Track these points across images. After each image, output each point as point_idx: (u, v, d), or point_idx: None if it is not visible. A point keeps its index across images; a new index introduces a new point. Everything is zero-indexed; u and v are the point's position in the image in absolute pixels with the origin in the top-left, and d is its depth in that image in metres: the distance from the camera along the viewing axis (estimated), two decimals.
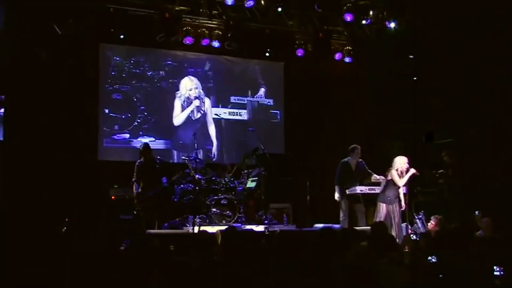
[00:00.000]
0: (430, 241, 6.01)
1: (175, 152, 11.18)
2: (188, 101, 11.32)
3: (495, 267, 4.20)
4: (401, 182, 8.64)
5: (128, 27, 10.03)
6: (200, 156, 10.64)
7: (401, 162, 8.76)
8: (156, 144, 11.02)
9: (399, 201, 8.82)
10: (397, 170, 8.72)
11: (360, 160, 9.87)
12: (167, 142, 11.22)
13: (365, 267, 4.28)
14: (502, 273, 4.18)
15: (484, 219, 7.54)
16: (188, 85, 11.36)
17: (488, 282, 4.23)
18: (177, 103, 11.27)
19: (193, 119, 11.38)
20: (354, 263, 4.40)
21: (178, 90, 11.33)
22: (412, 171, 8.61)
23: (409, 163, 8.74)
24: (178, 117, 11.26)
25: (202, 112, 11.44)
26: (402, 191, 8.80)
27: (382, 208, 8.71)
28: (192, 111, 11.35)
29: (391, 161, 8.94)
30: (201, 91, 11.44)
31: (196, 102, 11.34)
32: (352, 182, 9.71)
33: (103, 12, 9.71)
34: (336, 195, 9.84)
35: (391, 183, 8.76)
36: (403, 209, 8.76)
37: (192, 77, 11.42)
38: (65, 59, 9.72)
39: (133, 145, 10.71)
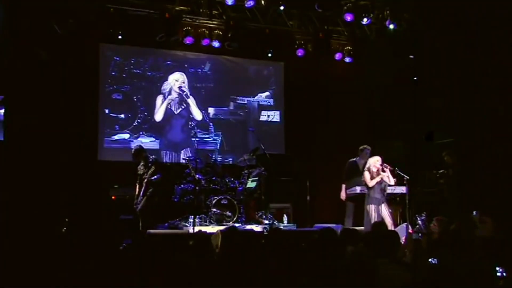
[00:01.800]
0: (431, 241, 6.00)
1: (166, 152, 11.15)
2: (169, 92, 11.23)
3: (497, 268, 4.19)
4: (371, 182, 8.62)
5: (128, 27, 10.03)
6: (185, 154, 10.63)
7: (373, 161, 8.74)
8: (156, 144, 11.03)
9: (387, 199, 8.82)
10: (368, 169, 8.70)
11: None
12: (167, 142, 11.21)
13: (364, 266, 4.27)
14: (504, 274, 4.17)
15: (484, 219, 7.51)
16: (177, 77, 11.30)
17: (489, 283, 4.22)
18: (158, 98, 11.16)
19: (176, 113, 11.28)
20: (354, 263, 4.40)
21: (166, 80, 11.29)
22: (387, 168, 8.59)
23: (382, 161, 8.71)
24: (159, 112, 11.12)
25: (183, 107, 11.36)
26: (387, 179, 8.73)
27: (371, 209, 8.67)
28: (171, 103, 11.23)
29: (391, 161, 8.92)
30: (186, 90, 11.30)
31: (177, 84, 11.21)
32: (356, 182, 9.71)
33: (103, 12, 9.72)
34: (342, 194, 9.87)
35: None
36: (391, 183, 8.70)
37: (183, 73, 11.36)
38: (65, 59, 9.72)
39: (133, 145, 10.68)
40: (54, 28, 9.31)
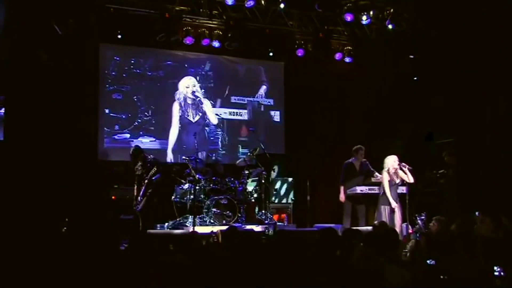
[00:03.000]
0: (430, 241, 5.99)
1: (178, 156, 11.11)
2: (185, 100, 11.29)
3: (495, 268, 4.19)
4: (387, 187, 8.61)
5: (128, 27, 10.03)
6: (201, 156, 10.62)
7: (391, 161, 8.73)
8: (156, 144, 11.03)
9: (400, 201, 8.81)
10: (388, 170, 8.69)
11: (364, 160, 9.91)
12: (167, 142, 11.20)
13: (372, 268, 4.26)
14: (502, 273, 4.18)
15: (483, 219, 7.50)
16: (186, 83, 11.31)
17: (488, 283, 4.22)
18: (175, 106, 11.21)
19: (193, 121, 11.33)
20: (360, 265, 4.39)
21: (177, 90, 11.31)
22: (405, 167, 8.60)
23: (400, 160, 8.70)
24: (173, 121, 11.14)
25: (201, 114, 11.41)
26: (405, 177, 8.72)
27: (385, 210, 8.67)
28: (187, 112, 11.28)
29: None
30: (199, 89, 11.38)
31: (189, 90, 11.22)
32: (356, 182, 9.72)
33: (103, 12, 9.72)
34: (341, 196, 9.88)
35: (389, 184, 8.73)
36: (411, 182, 8.71)
37: (191, 77, 11.39)
38: (65, 59, 9.72)
39: (134, 145, 10.67)
40: (54, 28, 9.31)
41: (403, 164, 8.65)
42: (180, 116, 11.23)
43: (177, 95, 11.26)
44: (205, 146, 11.20)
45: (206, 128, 11.45)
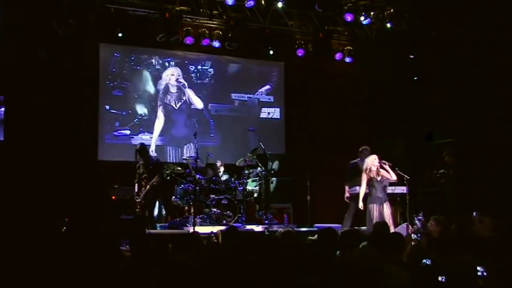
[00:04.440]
0: (431, 241, 6.00)
1: (169, 148, 11.18)
2: (167, 88, 11.28)
3: (478, 268, 4.18)
4: (363, 184, 8.62)
5: (128, 27, 10.04)
6: (187, 148, 10.66)
7: (371, 160, 8.70)
8: (157, 140, 11.08)
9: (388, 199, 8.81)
10: (366, 169, 8.66)
11: None
12: (166, 138, 11.23)
13: (371, 268, 4.26)
14: (485, 273, 4.17)
15: (483, 219, 7.50)
16: (171, 71, 11.35)
17: (487, 284, 4.23)
18: (159, 97, 11.24)
19: (176, 108, 11.35)
20: (360, 265, 4.39)
21: (160, 79, 11.32)
22: (385, 165, 8.59)
23: (380, 158, 8.69)
24: (158, 110, 11.16)
25: (183, 100, 11.42)
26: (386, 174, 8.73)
27: (373, 209, 8.64)
28: (171, 99, 11.30)
29: (391, 160, 8.90)
30: (183, 81, 11.38)
31: (173, 78, 11.28)
32: (357, 182, 9.70)
33: (103, 12, 9.72)
34: (346, 196, 9.87)
35: (374, 182, 8.71)
36: (393, 180, 8.71)
37: (176, 67, 11.40)
38: (65, 59, 9.72)
39: (134, 141, 10.72)
40: (54, 28, 9.31)
41: (383, 161, 8.63)
42: (163, 106, 11.24)
43: (160, 83, 11.24)
44: (191, 136, 11.05)
45: (192, 119, 11.33)
